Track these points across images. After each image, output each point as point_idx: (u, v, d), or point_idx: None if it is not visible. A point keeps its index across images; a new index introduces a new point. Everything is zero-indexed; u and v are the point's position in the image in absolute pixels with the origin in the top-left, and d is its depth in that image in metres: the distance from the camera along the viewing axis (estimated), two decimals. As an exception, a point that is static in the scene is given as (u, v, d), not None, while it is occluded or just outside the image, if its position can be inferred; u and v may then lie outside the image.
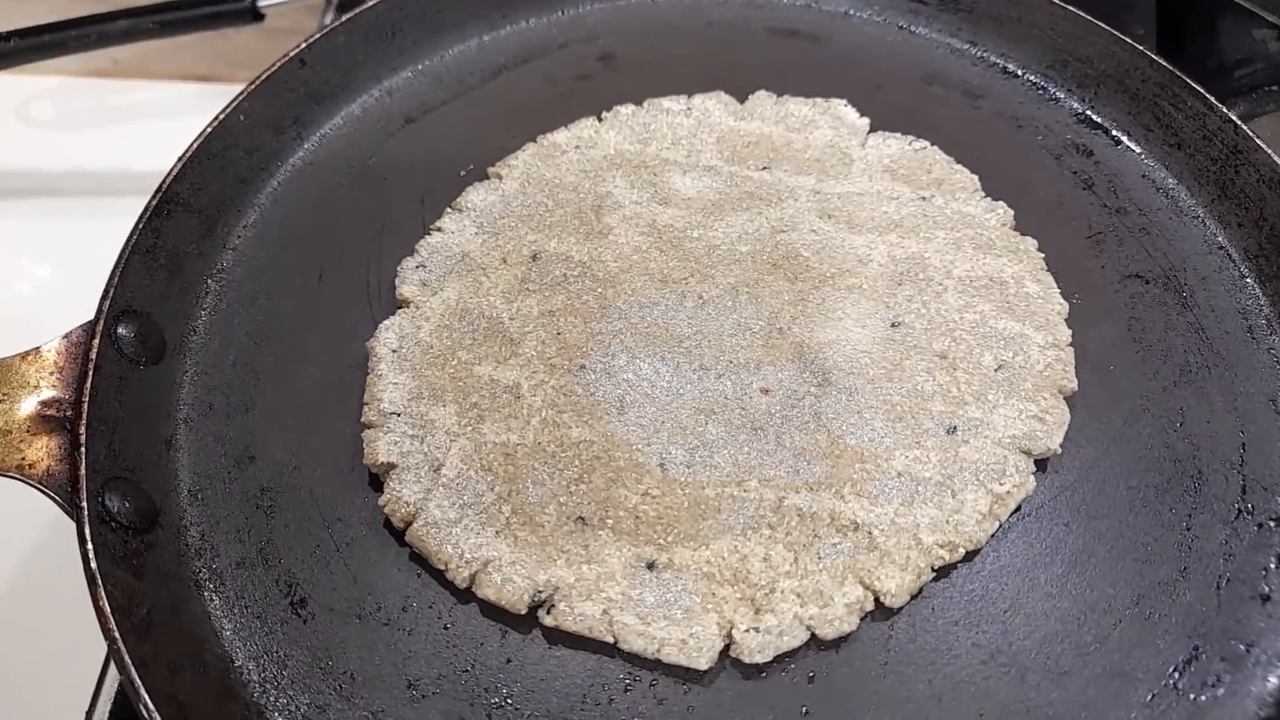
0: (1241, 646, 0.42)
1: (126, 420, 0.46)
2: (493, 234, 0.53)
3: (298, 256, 0.54)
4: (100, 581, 0.40)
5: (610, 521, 0.44)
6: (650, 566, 0.43)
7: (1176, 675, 0.41)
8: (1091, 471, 0.46)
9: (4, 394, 0.45)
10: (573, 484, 0.45)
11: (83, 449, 0.43)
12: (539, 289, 0.51)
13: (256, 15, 0.77)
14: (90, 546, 0.41)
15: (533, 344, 0.49)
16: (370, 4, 0.60)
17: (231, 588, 0.44)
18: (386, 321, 0.50)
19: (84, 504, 0.42)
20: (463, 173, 0.57)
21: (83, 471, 0.43)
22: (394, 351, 0.49)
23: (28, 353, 0.46)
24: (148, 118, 1.00)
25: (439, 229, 0.54)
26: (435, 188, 0.56)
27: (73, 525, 0.42)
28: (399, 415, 0.47)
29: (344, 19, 0.59)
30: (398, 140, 0.59)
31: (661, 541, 0.44)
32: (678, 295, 0.51)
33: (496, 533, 0.44)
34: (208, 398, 0.49)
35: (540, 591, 0.42)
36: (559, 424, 0.47)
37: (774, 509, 0.44)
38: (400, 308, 0.51)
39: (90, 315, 0.48)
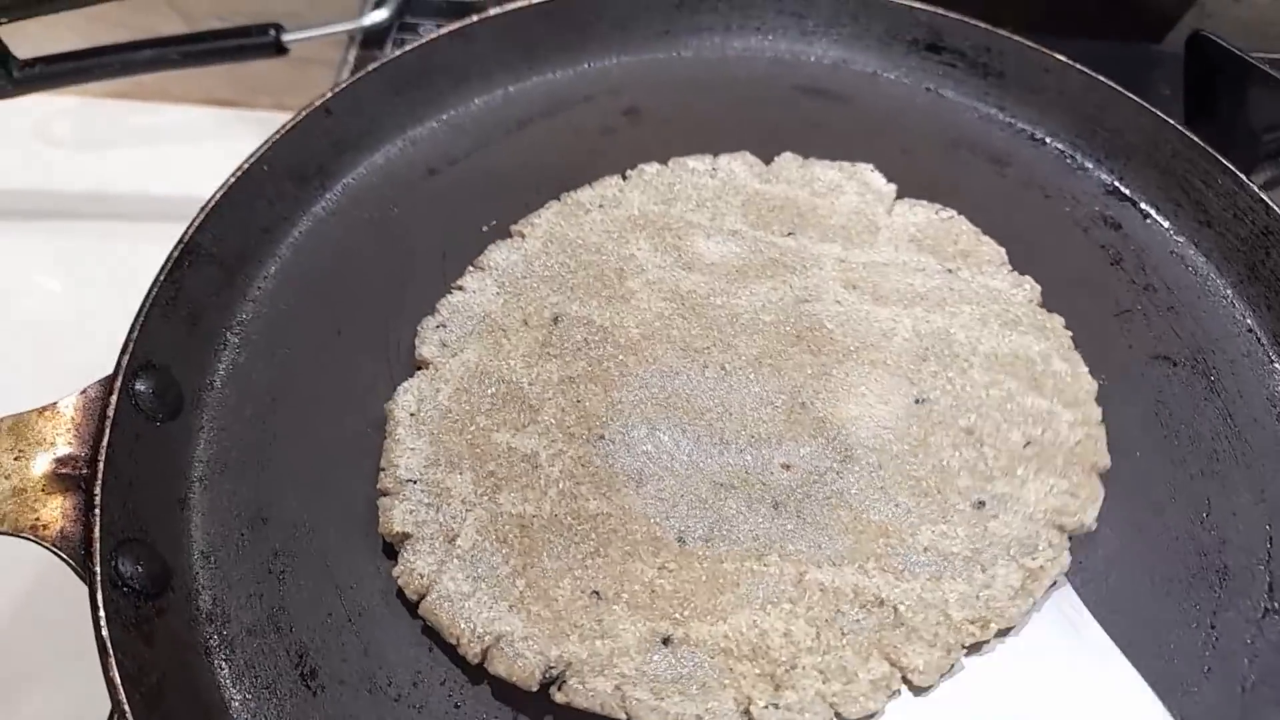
0: (1265, 752, 0.41)
1: (141, 479, 0.46)
2: (514, 294, 0.53)
3: (317, 310, 0.54)
4: (111, 650, 0.39)
5: (625, 596, 0.44)
6: (666, 641, 0.43)
7: (1198, 781, 0.41)
8: (1115, 563, 0.46)
9: (20, 450, 0.44)
10: (588, 558, 0.45)
11: (97, 510, 0.43)
12: (559, 354, 0.51)
13: (280, 49, 0.77)
14: (102, 614, 0.40)
15: (552, 411, 0.49)
16: (397, 54, 0.60)
17: (241, 656, 0.43)
18: (405, 384, 0.50)
19: (97, 569, 0.41)
20: (485, 228, 0.57)
21: (96, 534, 0.42)
22: (412, 415, 0.48)
23: (45, 409, 0.46)
24: (168, 140, 1.00)
25: (460, 288, 0.53)
26: (457, 243, 0.56)
27: (78, 584, 0.42)
28: (415, 483, 0.46)
29: (371, 68, 0.59)
30: (421, 192, 0.59)
31: (678, 616, 0.43)
32: (699, 365, 0.50)
33: (510, 607, 0.43)
34: (223, 455, 0.49)
35: (552, 667, 0.42)
36: (576, 495, 0.46)
37: (795, 583, 0.44)
38: (419, 368, 0.51)
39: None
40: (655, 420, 0.48)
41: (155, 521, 0.46)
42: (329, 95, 0.58)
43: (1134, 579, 0.45)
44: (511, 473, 0.47)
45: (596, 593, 0.44)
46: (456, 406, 0.49)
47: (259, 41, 0.77)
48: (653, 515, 0.46)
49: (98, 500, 0.43)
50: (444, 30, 0.60)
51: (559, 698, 0.41)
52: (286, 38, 0.76)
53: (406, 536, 0.45)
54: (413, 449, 0.47)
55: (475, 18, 0.61)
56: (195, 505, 0.47)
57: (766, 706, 0.41)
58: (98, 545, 0.42)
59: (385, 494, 0.46)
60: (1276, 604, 0.45)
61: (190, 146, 1.00)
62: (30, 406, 0.46)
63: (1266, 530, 0.47)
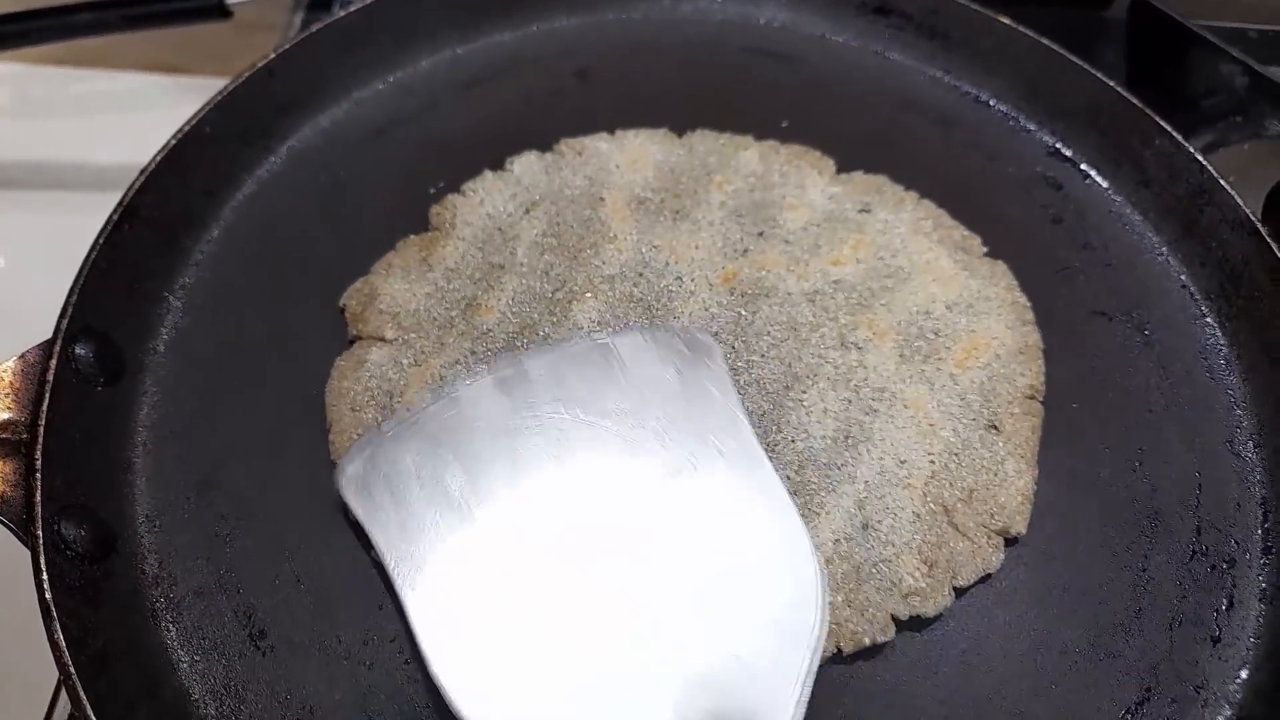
0: (1192, 688, 0.43)
1: (83, 443, 0.45)
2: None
3: (261, 273, 0.54)
4: (55, 614, 0.39)
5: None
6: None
7: (1129, 717, 0.42)
8: (1050, 512, 0.47)
9: (-44, 417, 0.43)
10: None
11: (38, 475, 0.42)
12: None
13: (224, 12, 0.75)
14: (45, 577, 0.40)
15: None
16: (342, 14, 0.59)
17: (189, 618, 0.43)
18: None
19: (39, 532, 0.41)
20: (432, 190, 0.56)
21: (38, 498, 0.42)
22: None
23: (-19, 373, 0.45)
24: (111, 108, 0.97)
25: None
26: (404, 206, 0.55)
27: (23, 551, 0.41)
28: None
29: (315, 29, 0.58)
30: (367, 154, 0.58)
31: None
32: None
33: None
34: (167, 420, 0.48)
35: None
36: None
37: None
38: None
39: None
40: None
41: (98, 486, 0.45)
42: (271, 56, 0.57)
43: (1070, 527, 0.47)
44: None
45: None
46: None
47: (202, 4, 0.75)
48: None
49: (38, 465, 0.42)
50: (389, -10, 0.60)
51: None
52: (230, 0, 0.75)
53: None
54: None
55: (422, -23, 0.60)
56: (139, 470, 0.47)
57: None
58: (39, 509, 0.42)
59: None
60: (1204, 546, 0.46)
61: (134, 114, 0.97)
62: (-34, 373, 0.45)
63: (1196, 477, 0.48)
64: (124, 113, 0.96)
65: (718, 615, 0.39)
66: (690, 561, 0.40)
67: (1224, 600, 0.45)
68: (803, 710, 0.37)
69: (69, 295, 0.47)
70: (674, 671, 0.38)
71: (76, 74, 0.97)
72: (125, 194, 0.51)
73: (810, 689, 0.38)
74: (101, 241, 0.49)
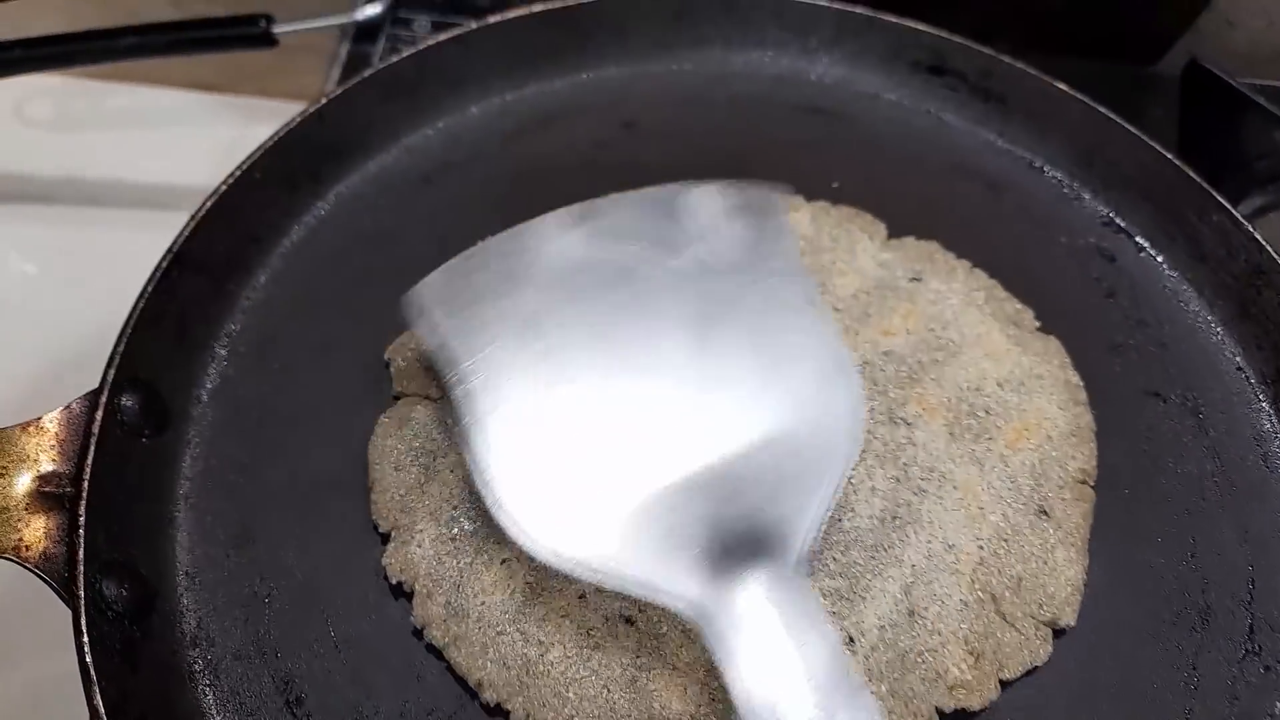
0: (1243, 793, 0.42)
1: (126, 497, 0.45)
2: None
3: (307, 322, 0.53)
4: (95, 678, 0.39)
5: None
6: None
7: (1177, 823, 0.41)
8: (1099, 603, 0.46)
9: (3, 468, 0.43)
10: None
11: (81, 531, 0.42)
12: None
13: (271, 41, 0.75)
14: (86, 639, 0.40)
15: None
16: (393, 60, 0.58)
17: (226, 682, 0.43)
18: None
19: (81, 592, 0.41)
20: (480, 241, 0.56)
21: (80, 556, 0.41)
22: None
23: (28, 424, 0.45)
24: (149, 124, 0.98)
25: None
26: (450, 256, 0.55)
27: (49, 604, 0.41)
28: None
29: (366, 75, 0.58)
30: (415, 201, 0.58)
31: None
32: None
33: None
34: (209, 473, 0.48)
35: None
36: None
37: None
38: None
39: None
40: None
41: (139, 542, 0.45)
42: (323, 102, 0.56)
43: (1119, 618, 0.46)
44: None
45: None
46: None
47: (249, 32, 0.76)
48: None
49: (82, 521, 0.42)
50: (441, 37, 0.59)
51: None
52: (277, 29, 0.75)
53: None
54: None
55: (474, 24, 0.60)
56: (180, 524, 0.47)
57: None
58: (81, 568, 0.41)
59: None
60: (1257, 645, 0.45)
61: (172, 131, 0.98)
62: (3, 393, 0.45)
63: (1249, 571, 0.47)
64: (162, 129, 0.97)
65: (764, 435, 0.41)
66: (744, 388, 0.42)
67: (1277, 704, 0.44)
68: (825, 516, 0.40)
69: (116, 344, 0.47)
70: (717, 480, 0.40)
71: (116, 88, 0.97)
72: (175, 240, 0.50)
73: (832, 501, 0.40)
74: (150, 289, 0.48)
